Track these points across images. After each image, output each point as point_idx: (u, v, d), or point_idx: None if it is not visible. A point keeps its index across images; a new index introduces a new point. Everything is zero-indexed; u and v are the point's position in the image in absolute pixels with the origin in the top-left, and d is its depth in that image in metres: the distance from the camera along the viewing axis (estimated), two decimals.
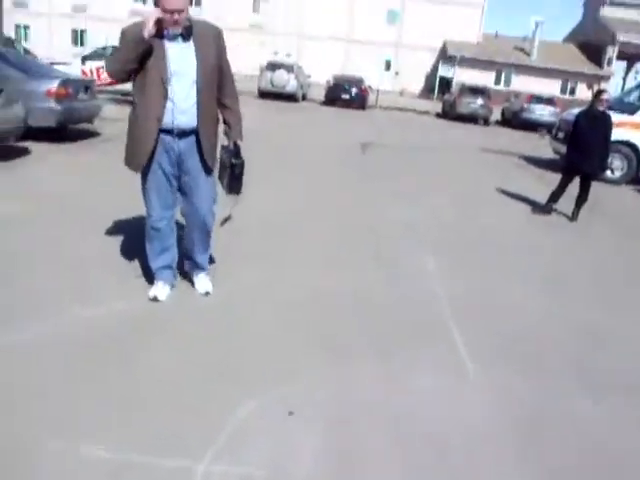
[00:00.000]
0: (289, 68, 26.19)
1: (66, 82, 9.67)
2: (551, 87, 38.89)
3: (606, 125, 8.00)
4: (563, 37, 50.81)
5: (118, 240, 5.10)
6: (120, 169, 3.97)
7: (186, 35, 3.52)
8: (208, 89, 3.64)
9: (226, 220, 4.83)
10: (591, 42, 42.76)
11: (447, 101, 28.77)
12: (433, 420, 3.04)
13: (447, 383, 3.41)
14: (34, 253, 4.71)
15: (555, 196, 8.25)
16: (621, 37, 39.82)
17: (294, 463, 2.61)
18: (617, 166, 12.02)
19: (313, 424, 2.89)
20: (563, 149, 10.09)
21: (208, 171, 3.83)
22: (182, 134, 3.66)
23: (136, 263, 4.56)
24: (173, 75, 3.50)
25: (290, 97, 25.78)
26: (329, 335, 3.86)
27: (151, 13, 3.38)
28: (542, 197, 8.59)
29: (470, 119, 25.84)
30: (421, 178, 10.34)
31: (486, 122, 26.39)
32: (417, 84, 43.96)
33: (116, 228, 5.38)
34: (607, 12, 42.95)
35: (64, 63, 17.05)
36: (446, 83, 39.29)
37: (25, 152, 8.62)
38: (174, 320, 3.81)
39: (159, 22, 3.38)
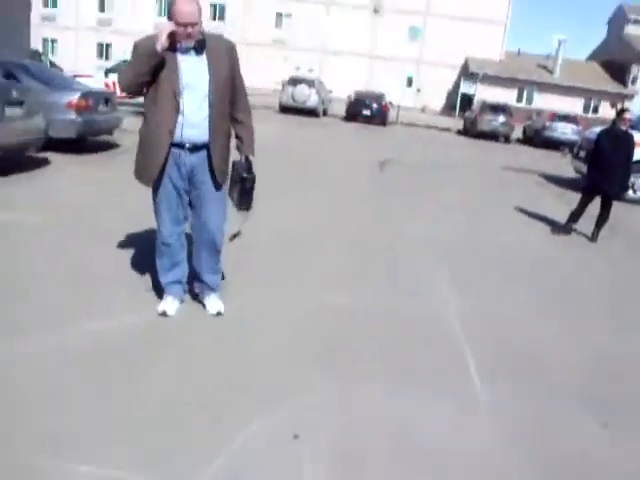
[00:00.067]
0: (310, 83, 26.30)
1: (87, 94, 9.78)
2: (574, 105, 38.59)
3: (628, 144, 7.86)
4: (587, 55, 50.57)
5: (130, 253, 5.09)
6: (136, 181, 3.95)
7: (199, 49, 3.50)
8: (220, 103, 3.61)
9: (235, 236, 4.79)
10: (615, 60, 42.46)
11: (468, 118, 28.65)
12: (444, 442, 2.94)
13: (456, 404, 3.31)
14: (47, 263, 4.71)
15: (575, 216, 8.11)
16: None
17: None
18: (639, 186, 11.83)
19: (318, 448, 2.80)
20: (584, 168, 9.92)
21: (218, 186, 3.77)
22: (193, 148, 3.62)
23: (147, 276, 4.53)
24: (185, 88, 3.48)
25: (311, 112, 25.85)
26: (340, 352, 3.78)
27: (164, 26, 3.37)
28: (562, 216, 8.45)
29: (491, 136, 25.70)
30: (441, 195, 10.27)
31: (507, 140, 26.24)
32: (439, 101, 43.89)
33: (129, 240, 5.37)
34: (631, 30, 42.71)
35: (87, 76, 17.28)
36: (468, 100, 39.18)
37: (45, 163, 8.71)
38: (183, 335, 3.76)
39: (172, 35, 3.37)
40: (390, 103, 28.46)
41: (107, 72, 18.26)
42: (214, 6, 43.88)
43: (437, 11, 42.33)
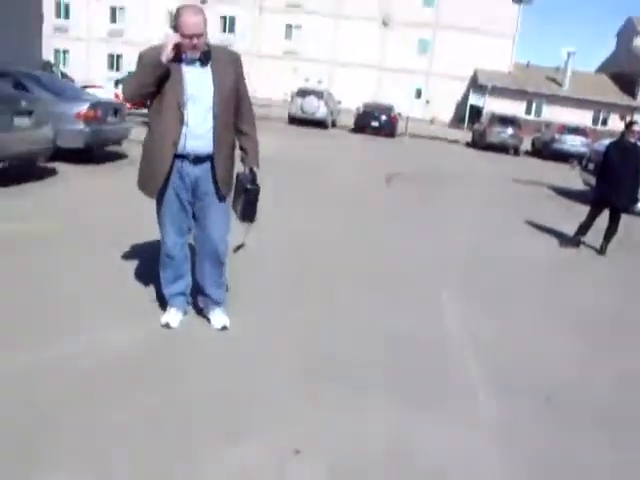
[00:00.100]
0: (319, 95, 26.41)
1: (95, 105, 9.84)
2: (583, 118, 38.45)
3: (637, 157, 7.80)
4: (596, 68, 50.49)
5: (134, 264, 5.08)
6: (140, 192, 3.93)
7: (204, 60, 3.50)
8: (225, 114, 3.60)
9: (239, 247, 4.77)
10: (624, 73, 42.36)
11: (477, 130, 28.62)
12: (445, 460, 2.89)
13: (459, 422, 3.26)
14: (51, 274, 4.71)
15: (583, 228, 8.05)
16: None
17: None
18: None
19: (318, 466, 2.76)
20: (593, 180, 9.87)
21: (222, 198, 3.75)
22: (197, 159, 3.61)
23: (151, 288, 4.52)
24: (189, 100, 3.47)
25: (320, 123, 25.94)
26: (344, 370, 3.72)
27: (170, 37, 3.37)
28: (571, 229, 8.38)
29: (500, 149, 25.63)
30: (449, 207, 10.25)
31: (516, 152, 26.17)
32: (447, 113, 43.90)
33: (133, 251, 5.36)
34: None
35: (98, 86, 17.42)
36: (477, 112, 39.15)
37: (53, 173, 8.75)
38: (185, 348, 3.73)
39: (177, 46, 3.37)
40: (399, 114, 28.50)
41: (117, 83, 18.40)
42: (224, 18, 44.16)
43: (446, 23, 42.40)
